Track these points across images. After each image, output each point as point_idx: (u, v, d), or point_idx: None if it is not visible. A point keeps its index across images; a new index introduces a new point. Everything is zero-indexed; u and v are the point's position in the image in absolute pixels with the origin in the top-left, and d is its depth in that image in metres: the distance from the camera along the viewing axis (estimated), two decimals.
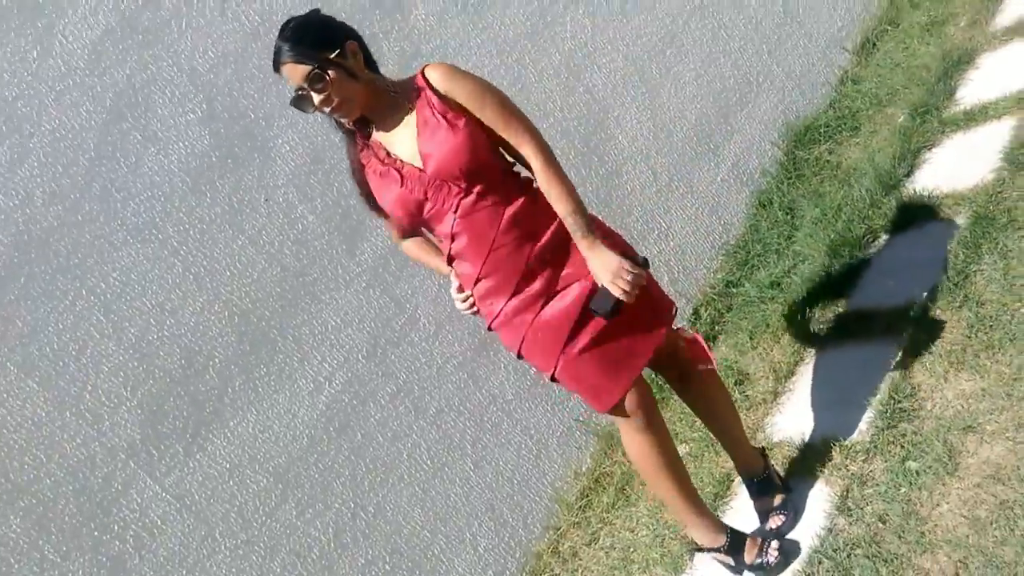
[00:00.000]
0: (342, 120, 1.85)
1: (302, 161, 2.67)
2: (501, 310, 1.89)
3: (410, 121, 1.83)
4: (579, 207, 1.82)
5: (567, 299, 1.88)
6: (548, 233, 1.89)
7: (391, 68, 2.87)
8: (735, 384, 2.71)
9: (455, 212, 1.81)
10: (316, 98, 1.76)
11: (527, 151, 1.83)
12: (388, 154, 1.83)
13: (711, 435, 2.30)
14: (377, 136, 1.85)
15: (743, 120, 3.55)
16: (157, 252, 2.44)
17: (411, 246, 2.08)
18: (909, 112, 3.17)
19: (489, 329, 1.95)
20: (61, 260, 2.32)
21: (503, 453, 2.83)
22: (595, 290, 1.83)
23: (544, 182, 1.82)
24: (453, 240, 1.85)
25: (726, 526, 2.07)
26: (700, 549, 2.07)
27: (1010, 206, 2.41)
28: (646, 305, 1.98)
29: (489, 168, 1.84)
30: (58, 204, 2.34)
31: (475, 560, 2.72)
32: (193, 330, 2.46)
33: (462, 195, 1.80)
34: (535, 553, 2.78)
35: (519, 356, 1.95)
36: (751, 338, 2.84)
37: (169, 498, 2.36)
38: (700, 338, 2.14)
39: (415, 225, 1.94)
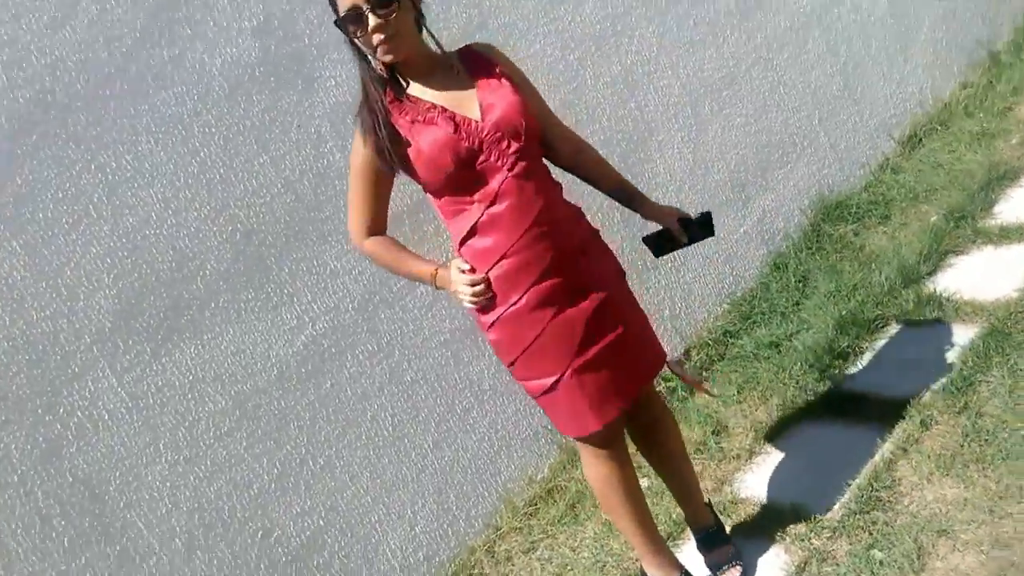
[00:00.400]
0: (384, 58, 1.71)
1: (343, 99, 2.59)
2: (518, 300, 1.79)
3: (462, 79, 1.80)
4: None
5: (584, 306, 1.83)
6: (576, 233, 1.86)
7: (454, 34, 2.83)
8: (712, 433, 2.67)
9: (509, 169, 1.74)
10: (372, 20, 1.64)
11: (572, 136, 1.97)
12: (434, 105, 1.76)
13: (664, 480, 2.22)
14: (417, 92, 1.77)
15: (779, 179, 3.53)
16: (176, 148, 2.35)
17: (379, 244, 1.88)
18: (944, 213, 3.16)
19: (491, 325, 1.84)
20: (79, 129, 2.23)
21: (465, 440, 2.77)
22: (681, 225, 2.00)
23: (597, 160, 2.02)
24: (494, 202, 1.75)
25: (682, 566, 2.03)
26: None
27: None
28: (647, 342, 1.95)
29: (536, 143, 1.84)
30: (89, 74, 2.24)
31: (409, 538, 2.65)
32: (192, 235, 2.37)
33: (517, 154, 1.75)
34: (470, 547, 2.72)
35: (511, 364, 1.86)
36: (738, 391, 2.80)
37: (124, 395, 2.27)
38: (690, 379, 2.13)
39: (451, 178, 1.74)
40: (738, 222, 3.40)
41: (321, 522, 2.52)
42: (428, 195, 1.85)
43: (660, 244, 2.04)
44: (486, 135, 1.74)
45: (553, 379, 1.83)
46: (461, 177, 1.75)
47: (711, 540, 2.17)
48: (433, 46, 1.82)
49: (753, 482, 2.40)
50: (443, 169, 1.73)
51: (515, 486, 2.83)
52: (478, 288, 1.79)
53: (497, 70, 1.81)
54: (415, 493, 2.67)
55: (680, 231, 2.00)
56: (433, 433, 2.71)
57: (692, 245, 2.03)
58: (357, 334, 2.61)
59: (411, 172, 1.79)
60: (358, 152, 1.79)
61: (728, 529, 2.24)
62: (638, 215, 2.05)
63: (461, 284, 1.80)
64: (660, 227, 2.03)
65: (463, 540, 2.73)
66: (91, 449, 2.23)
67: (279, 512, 2.46)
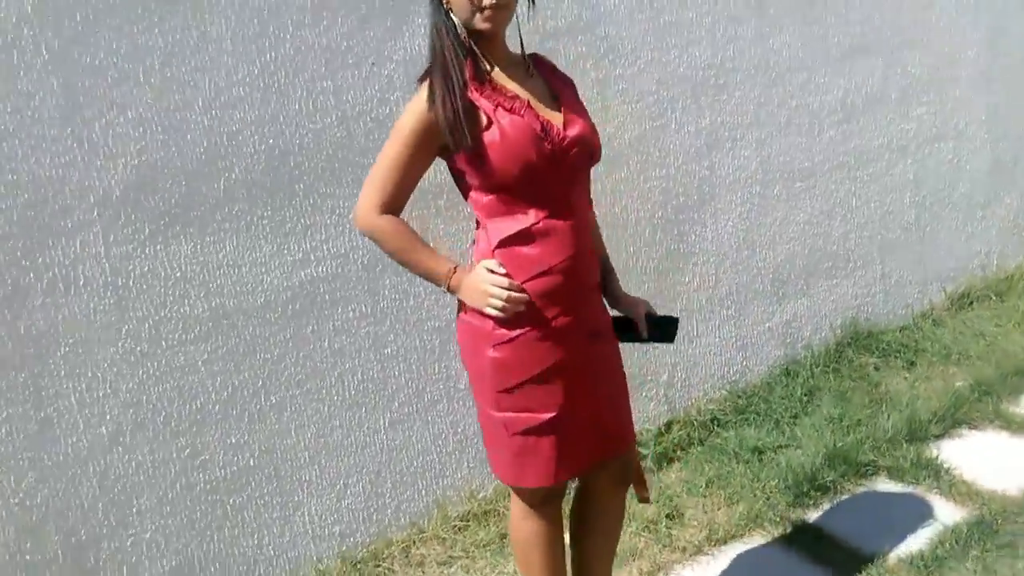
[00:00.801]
0: (483, 25, 1.59)
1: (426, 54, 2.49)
2: (547, 322, 1.66)
3: (539, 82, 1.72)
4: None
5: (591, 351, 1.74)
6: (595, 270, 1.79)
7: (556, 27, 2.72)
8: (665, 516, 2.56)
9: (578, 186, 1.70)
10: None
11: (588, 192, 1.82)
12: (519, 96, 1.65)
13: (578, 552, 2.02)
14: (499, 78, 1.66)
15: (821, 288, 3.42)
16: (245, 43, 2.24)
17: (394, 224, 1.67)
18: (971, 383, 3.04)
19: (505, 342, 1.67)
20: None
21: (422, 431, 2.66)
22: (646, 320, 1.86)
23: (595, 224, 1.88)
24: (553, 214, 1.64)
25: None
26: None
27: (1018, 532, 2.28)
28: (626, 415, 1.86)
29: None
30: None
31: (332, 509, 2.54)
32: (231, 134, 2.27)
33: (586, 175, 1.72)
34: (388, 539, 2.61)
35: (508, 390, 1.69)
36: (706, 484, 2.69)
37: (106, 267, 2.16)
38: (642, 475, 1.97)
39: (526, 173, 1.60)
40: (765, 315, 3.28)
41: (252, 462, 2.42)
42: (470, 189, 1.69)
43: (622, 330, 1.87)
44: (567, 145, 1.64)
45: (547, 416, 1.70)
46: (534, 176, 1.62)
47: None
48: (514, 39, 1.72)
49: None
50: (524, 161, 1.59)
51: (455, 495, 2.73)
52: (516, 296, 1.63)
53: (574, 89, 1.78)
54: (353, 466, 2.57)
55: (643, 326, 1.87)
56: (393, 413, 2.61)
57: (649, 344, 1.89)
58: (356, 290, 2.50)
59: (474, 156, 1.62)
60: (416, 116, 1.62)
61: None
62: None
63: (494, 287, 1.63)
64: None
65: (384, 530, 2.63)
66: (55, 308, 2.13)
67: (213, 437, 2.36)
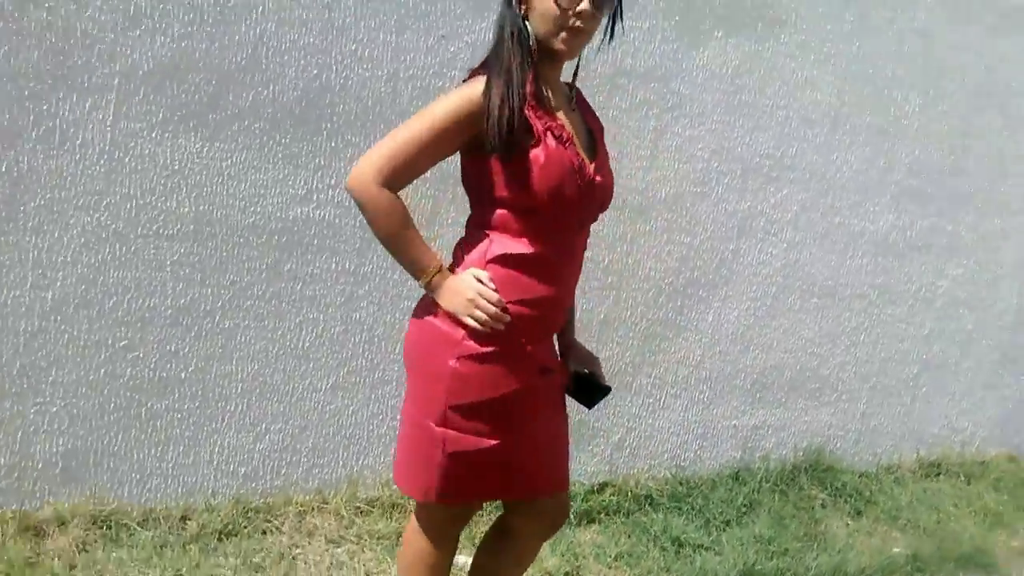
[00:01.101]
0: (559, 46, 1.54)
1: None
2: (521, 346, 1.60)
3: (577, 117, 1.67)
4: None
5: (544, 383, 1.68)
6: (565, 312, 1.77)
7: (645, 61, 2.65)
8: (564, 573, 2.49)
9: (582, 227, 1.67)
10: (586, 5, 1.50)
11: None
12: (566, 129, 1.58)
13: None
14: (551, 105, 1.60)
15: (798, 407, 3.34)
16: None
17: (395, 202, 1.53)
18: (910, 555, 2.96)
19: (474, 356, 1.59)
20: None
21: (360, 405, 2.58)
22: (586, 379, 1.81)
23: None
24: (553, 251, 1.60)
25: None
26: None
27: None
28: (564, 458, 1.79)
29: None
30: None
31: (245, 448, 2.47)
32: (284, 50, 2.21)
33: (594, 219, 1.69)
34: (288, 498, 2.53)
35: (460, 407, 1.59)
36: (615, 557, 2.61)
37: (109, 135, 2.10)
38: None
39: (555, 204, 1.55)
40: (735, 413, 3.21)
41: (183, 375, 2.35)
42: (485, 195, 1.59)
43: (580, 389, 1.83)
44: (593, 190, 1.60)
45: (492, 443, 1.62)
46: (558, 208, 1.56)
47: None
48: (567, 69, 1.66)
49: None
50: (558, 191, 1.54)
51: (370, 477, 2.65)
52: (499, 314, 1.55)
53: (603, 134, 1.73)
54: (281, 414, 2.49)
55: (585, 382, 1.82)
56: (340, 378, 2.54)
57: (579, 403, 1.83)
58: (346, 245, 2.44)
59: (511, 168, 1.52)
60: (463, 103, 1.51)
61: None
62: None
63: (481, 298, 1.54)
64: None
65: (288, 487, 2.55)
66: (43, 159, 2.07)
67: (154, 338, 2.29)
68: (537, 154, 1.53)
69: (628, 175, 2.71)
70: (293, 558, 2.37)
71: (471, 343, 1.58)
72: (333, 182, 2.37)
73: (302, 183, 2.34)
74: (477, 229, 1.64)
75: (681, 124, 2.79)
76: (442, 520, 1.75)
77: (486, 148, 1.53)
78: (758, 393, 3.22)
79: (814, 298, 3.23)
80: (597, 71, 2.55)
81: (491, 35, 1.61)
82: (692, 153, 2.84)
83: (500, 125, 1.49)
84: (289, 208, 2.34)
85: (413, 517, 1.79)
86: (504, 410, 1.61)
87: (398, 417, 2.65)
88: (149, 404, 2.33)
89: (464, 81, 1.58)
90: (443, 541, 1.78)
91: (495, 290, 1.57)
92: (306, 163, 2.33)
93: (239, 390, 2.42)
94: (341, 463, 2.60)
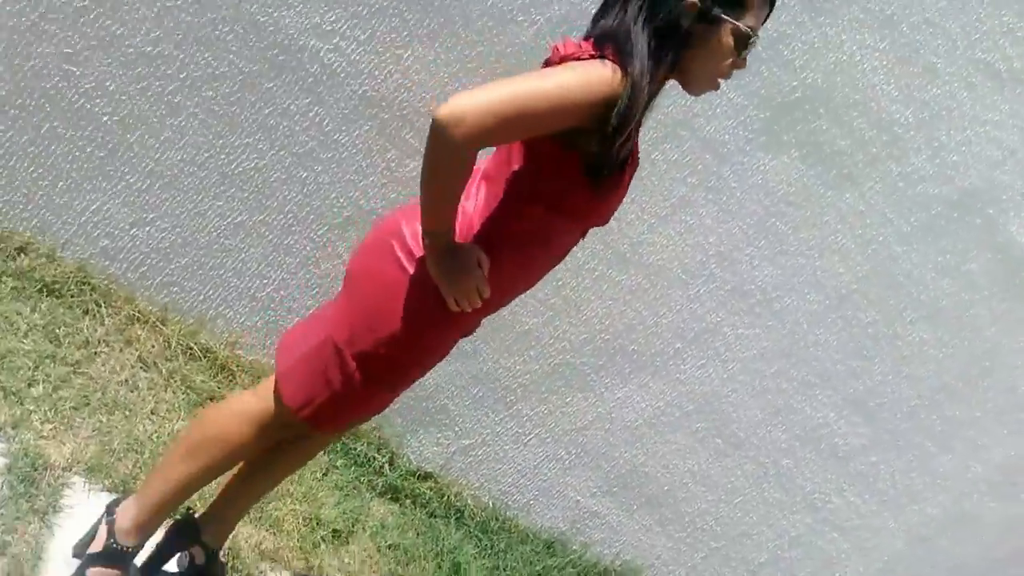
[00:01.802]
0: (708, 86, 1.45)
1: None
2: (476, 313, 1.50)
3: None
4: None
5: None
6: None
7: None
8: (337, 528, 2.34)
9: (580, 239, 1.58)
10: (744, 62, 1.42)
11: None
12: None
13: (233, 486, 1.79)
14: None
15: (652, 520, 3.20)
16: None
17: (471, 168, 1.33)
18: None
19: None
20: None
21: (254, 263, 2.40)
22: None
23: None
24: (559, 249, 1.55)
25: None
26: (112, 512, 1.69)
27: None
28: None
29: None
30: None
31: (119, 223, 2.28)
32: None
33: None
34: (132, 299, 2.34)
35: (408, 318, 1.46)
36: (389, 545, 2.47)
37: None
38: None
39: (588, 209, 1.46)
40: (587, 489, 3.06)
41: (104, 117, 2.15)
42: (540, 179, 1.42)
43: None
44: (606, 213, 1.53)
45: (414, 372, 1.57)
46: (587, 215, 1.49)
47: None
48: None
49: None
50: (608, 216, 1.53)
51: (220, 329, 2.47)
52: (476, 300, 1.42)
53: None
54: (173, 215, 2.30)
55: None
56: (251, 219, 2.34)
57: None
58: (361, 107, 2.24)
59: (587, 180, 1.38)
60: (605, 82, 1.29)
61: None
62: None
63: (476, 287, 1.41)
64: None
65: (135, 283, 2.35)
66: None
67: (99, 59, 2.09)
68: (619, 177, 1.42)
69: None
70: (95, 353, 2.20)
71: (430, 301, 1.44)
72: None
73: (340, 18, 2.14)
74: (514, 200, 1.44)
75: (716, 191, 2.63)
76: (282, 427, 1.62)
77: (584, 144, 1.34)
78: (616, 487, 3.08)
79: (740, 434, 3.09)
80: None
81: (632, 16, 1.35)
82: (707, 224, 2.68)
83: (627, 125, 1.31)
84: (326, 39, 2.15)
85: (243, 402, 1.63)
86: (422, 362, 1.56)
87: (304, 311, 2.47)
88: (62, 130, 2.13)
89: (575, 57, 1.34)
90: (263, 440, 1.64)
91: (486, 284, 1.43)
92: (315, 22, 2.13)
93: (149, 168, 2.23)
94: (202, 298, 2.42)
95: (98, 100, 2.12)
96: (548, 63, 1.38)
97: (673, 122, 2.49)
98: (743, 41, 1.37)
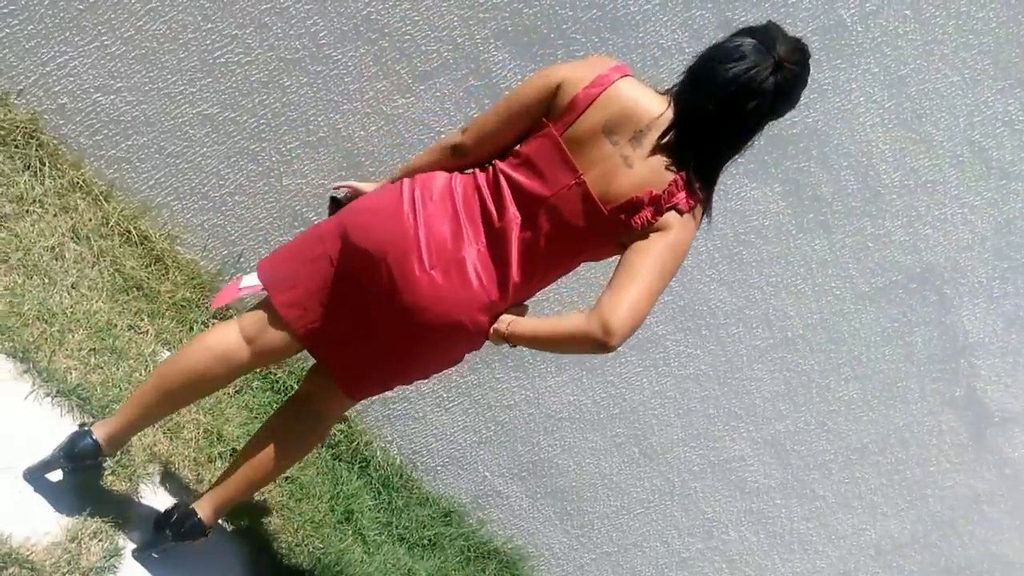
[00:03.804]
0: None
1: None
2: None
3: None
4: None
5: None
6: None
7: None
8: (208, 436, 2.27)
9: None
10: None
11: None
12: None
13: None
14: None
15: (549, 523, 3.19)
16: None
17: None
18: None
19: None
20: None
21: (215, 159, 2.29)
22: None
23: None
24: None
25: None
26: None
27: None
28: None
29: None
30: None
31: (84, 81, 2.15)
32: None
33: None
34: (61, 153, 2.21)
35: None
36: (287, 479, 2.40)
37: None
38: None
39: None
40: (500, 469, 3.03)
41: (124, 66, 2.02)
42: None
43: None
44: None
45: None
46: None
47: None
48: None
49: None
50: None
51: (163, 219, 2.36)
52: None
53: None
54: (141, 91, 2.18)
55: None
56: (219, 113, 2.24)
57: None
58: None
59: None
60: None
61: None
62: None
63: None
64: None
65: (86, 151, 2.22)
66: None
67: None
68: None
69: None
70: (27, 211, 2.08)
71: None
72: None
73: None
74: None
75: None
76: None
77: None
78: (526, 472, 3.06)
79: (636, 448, 3.10)
80: None
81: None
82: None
83: None
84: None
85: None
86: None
87: (254, 221, 2.37)
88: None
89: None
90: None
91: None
92: None
93: (129, 34, 2.10)
94: (152, 183, 2.30)
95: None
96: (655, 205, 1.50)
97: None
98: None
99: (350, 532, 2.53)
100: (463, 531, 2.99)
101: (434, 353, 1.65)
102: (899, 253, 2.87)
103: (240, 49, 2.16)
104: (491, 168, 1.59)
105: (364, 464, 2.74)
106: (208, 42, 2.13)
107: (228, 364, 1.64)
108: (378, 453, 2.80)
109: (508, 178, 1.55)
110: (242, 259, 2.42)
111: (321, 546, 2.35)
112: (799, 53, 1.47)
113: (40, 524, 1.65)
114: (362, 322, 1.59)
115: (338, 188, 1.79)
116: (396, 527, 2.75)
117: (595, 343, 1.46)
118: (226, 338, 1.64)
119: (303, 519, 2.35)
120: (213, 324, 2.29)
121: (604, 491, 3.14)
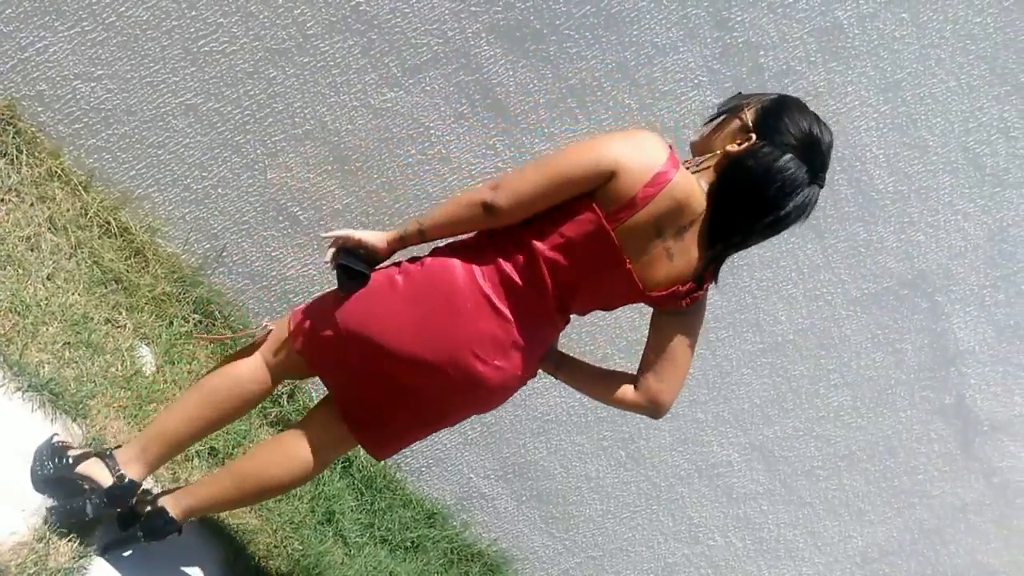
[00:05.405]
0: None
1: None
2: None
3: None
4: None
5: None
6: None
7: None
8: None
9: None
10: None
11: None
12: None
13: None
14: None
15: (533, 525, 3.16)
16: None
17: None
18: None
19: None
20: None
21: (197, 150, 2.24)
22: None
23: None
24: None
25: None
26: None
27: None
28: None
29: None
30: None
31: (66, 70, 2.10)
32: None
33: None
34: (35, 137, 2.17)
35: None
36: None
37: None
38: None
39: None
40: (485, 471, 2.99)
41: (106, 53, 1.98)
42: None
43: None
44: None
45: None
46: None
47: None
48: None
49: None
50: None
51: (143, 213, 2.31)
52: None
53: None
54: (129, 81, 2.13)
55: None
56: (202, 104, 2.19)
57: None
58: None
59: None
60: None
61: None
62: None
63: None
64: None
65: (65, 138, 2.18)
66: None
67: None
68: None
69: None
70: (2, 200, 2.03)
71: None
72: None
73: None
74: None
75: None
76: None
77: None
78: (511, 474, 3.02)
79: (622, 452, 3.06)
80: None
81: None
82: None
83: None
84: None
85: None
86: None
87: (237, 215, 2.32)
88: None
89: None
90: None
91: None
92: None
93: (111, 20, 2.05)
94: (133, 173, 2.25)
95: None
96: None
97: (661, 132, 2.43)
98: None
99: (331, 534, 2.48)
100: (447, 533, 2.95)
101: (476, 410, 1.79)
102: (891, 259, 2.84)
103: (225, 38, 2.11)
104: (526, 251, 1.55)
105: (346, 464, 2.69)
106: (192, 30, 2.08)
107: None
108: (361, 453, 2.75)
109: (547, 260, 1.54)
110: (224, 253, 2.37)
111: (300, 548, 2.30)
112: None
113: (5, 523, 1.60)
114: (398, 390, 1.62)
115: (335, 241, 1.64)
116: (378, 528, 2.70)
117: (647, 414, 1.73)
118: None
119: (282, 520, 2.30)
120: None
121: (590, 495, 3.10)
